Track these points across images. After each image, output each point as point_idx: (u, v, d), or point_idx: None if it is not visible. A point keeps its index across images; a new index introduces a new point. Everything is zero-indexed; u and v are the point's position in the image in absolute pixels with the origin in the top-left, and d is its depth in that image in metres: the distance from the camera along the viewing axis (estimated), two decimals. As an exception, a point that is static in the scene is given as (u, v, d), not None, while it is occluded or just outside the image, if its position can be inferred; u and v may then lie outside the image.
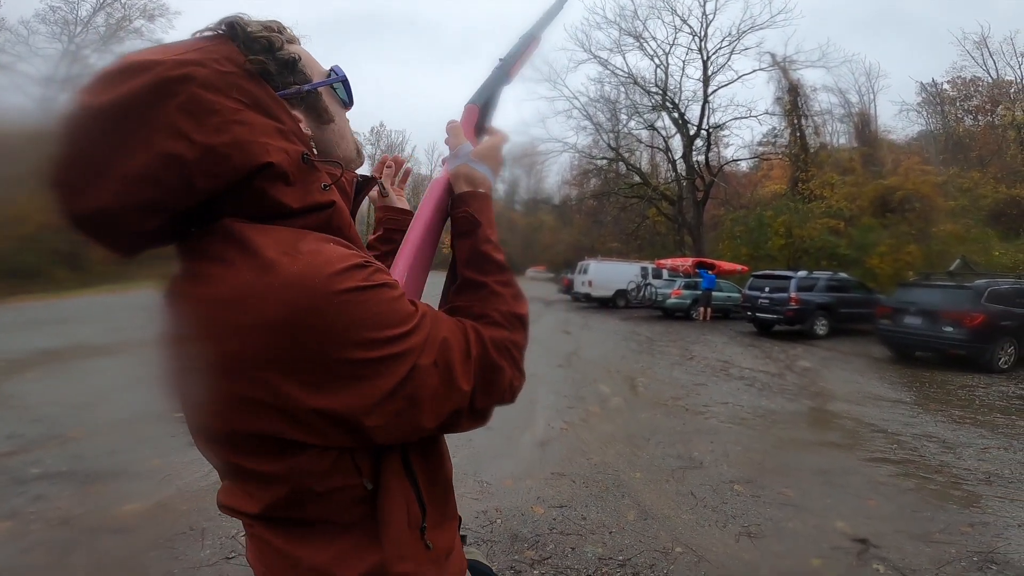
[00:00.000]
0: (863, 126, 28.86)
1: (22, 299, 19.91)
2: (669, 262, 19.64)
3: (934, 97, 28.11)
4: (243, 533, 2.58)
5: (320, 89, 0.68)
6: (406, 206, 1.05)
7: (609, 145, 29.26)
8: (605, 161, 30.00)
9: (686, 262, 18.71)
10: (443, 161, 0.80)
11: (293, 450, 0.55)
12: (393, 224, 1.03)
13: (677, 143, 28.28)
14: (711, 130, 27.15)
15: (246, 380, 0.51)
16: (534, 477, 3.55)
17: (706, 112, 26.89)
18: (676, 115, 27.39)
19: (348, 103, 0.75)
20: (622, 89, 28.49)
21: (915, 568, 2.53)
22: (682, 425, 4.95)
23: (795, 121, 27.12)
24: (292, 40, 0.67)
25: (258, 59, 0.60)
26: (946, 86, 27.61)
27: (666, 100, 27.26)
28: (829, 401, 6.06)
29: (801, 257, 20.12)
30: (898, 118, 37.57)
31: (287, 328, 0.49)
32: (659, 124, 28.57)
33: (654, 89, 27.50)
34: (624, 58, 28.21)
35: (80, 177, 0.52)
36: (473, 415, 0.62)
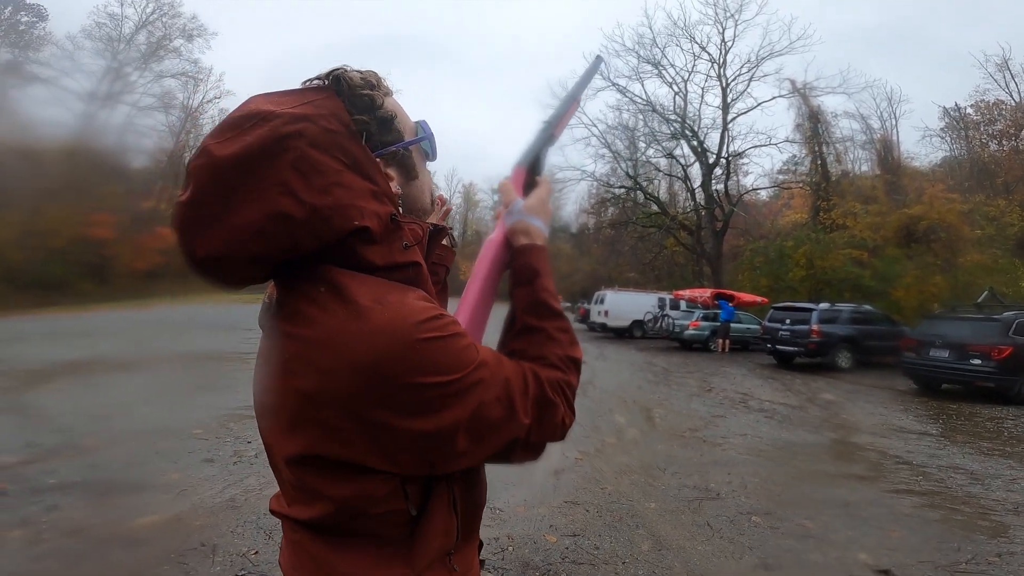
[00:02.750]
0: (885, 153, 28.43)
1: (47, 310, 20.44)
2: (687, 293, 19.45)
3: (957, 122, 27.54)
4: (254, 552, 2.55)
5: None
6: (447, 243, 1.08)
7: (627, 173, 29.09)
8: (623, 190, 29.76)
9: (704, 293, 18.51)
10: (497, 217, 0.84)
11: (364, 477, 0.60)
12: (436, 259, 1.04)
13: (696, 171, 27.99)
14: (730, 158, 26.92)
15: (336, 410, 0.57)
16: (547, 505, 3.48)
17: (725, 140, 26.74)
18: (695, 143, 27.25)
19: (432, 156, 0.80)
20: (640, 117, 28.44)
21: (939, 599, 2.42)
22: (699, 456, 4.84)
23: (816, 148, 26.80)
24: (388, 93, 0.71)
25: (362, 119, 0.65)
26: (969, 110, 27.05)
27: (685, 128, 27.13)
28: (852, 433, 5.87)
29: (823, 289, 19.62)
30: (921, 144, 36.78)
31: (374, 368, 0.56)
32: (678, 152, 28.38)
33: (673, 117, 27.49)
34: (643, 85, 28.03)
35: (196, 223, 0.58)
36: (528, 448, 0.66)
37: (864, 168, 28.88)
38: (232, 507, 3.15)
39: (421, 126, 0.76)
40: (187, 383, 7.10)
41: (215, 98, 41.73)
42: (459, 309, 0.75)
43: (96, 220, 32.46)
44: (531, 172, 0.85)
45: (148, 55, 35.88)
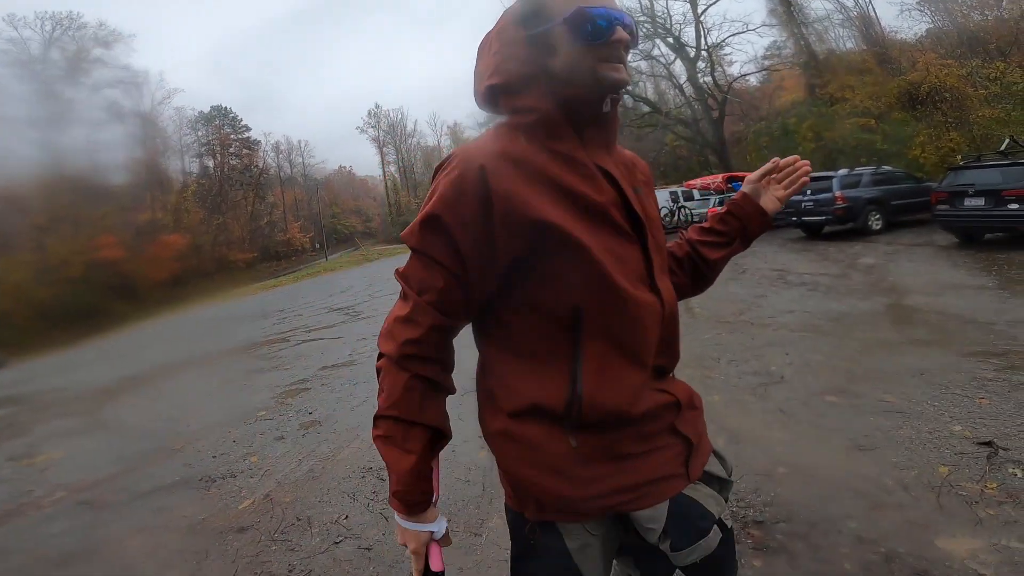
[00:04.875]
0: (867, 28, 27.10)
1: (94, 337, 21.15)
2: (699, 181, 18.96)
3: (934, -5, 25.88)
4: (344, 517, 2.64)
5: None
6: (772, 208, 1.12)
7: (607, 82, 28.21)
8: (608, 99, 28.95)
9: (716, 178, 18.03)
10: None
11: None
12: (737, 209, 1.13)
13: (679, 68, 27.17)
14: (710, 50, 26.03)
15: None
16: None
17: (701, 32, 25.77)
18: (670, 40, 26.27)
19: (591, 37, 0.87)
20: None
21: (1058, 472, 2.23)
22: (751, 340, 4.77)
23: (795, 30, 26.18)
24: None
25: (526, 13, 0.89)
26: (944, -18, 25.21)
27: (657, 27, 26.01)
28: (905, 296, 5.66)
29: (836, 158, 19.33)
30: (901, 18, 34.60)
31: None
32: (656, 53, 27.34)
33: (642, 18, 25.95)
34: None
35: None
36: None
37: (849, 45, 27.86)
38: (312, 478, 3.30)
39: (578, 11, 0.82)
40: (240, 371, 7.35)
41: (165, 99, 40.56)
42: None
43: (101, 243, 32.86)
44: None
45: (72, 70, 34.69)
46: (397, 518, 0.89)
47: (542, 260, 0.79)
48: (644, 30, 26.32)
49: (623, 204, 0.86)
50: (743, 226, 1.11)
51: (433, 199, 0.80)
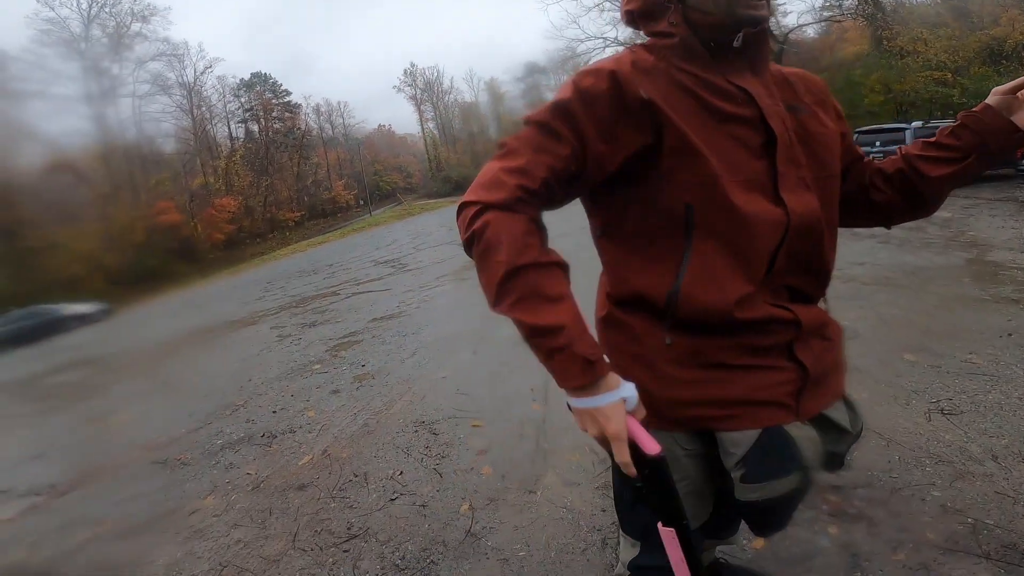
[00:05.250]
0: None
1: (158, 296, 22.46)
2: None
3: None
4: (399, 472, 2.61)
5: None
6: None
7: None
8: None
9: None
10: None
11: None
12: (975, 123, 0.94)
13: None
14: None
15: None
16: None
17: None
18: None
19: None
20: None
21: None
22: (822, 291, 4.50)
23: None
24: None
25: None
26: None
27: None
28: (988, 251, 5.18)
29: (908, 111, 18.36)
30: None
31: None
32: None
33: None
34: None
35: None
36: None
37: None
38: (367, 432, 3.33)
39: None
40: (295, 325, 7.60)
41: (207, 68, 41.47)
42: None
43: (159, 209, 34.53)
44: None
45: (115, 46, 35.56)
46: (573, 402, 0.75)
47: (660, 159, 0.81)
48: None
49: (760, 120, 0.84)
50: (981, 142, 0.92)
51: (565, 89, 0.82)
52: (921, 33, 21.16)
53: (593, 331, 0.79)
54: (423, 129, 60.53)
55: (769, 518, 0.95)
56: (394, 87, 72.98)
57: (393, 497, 2.55)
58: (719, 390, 0.83)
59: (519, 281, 0.72)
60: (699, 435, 0.88)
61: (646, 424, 0.75)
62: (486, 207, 0.77)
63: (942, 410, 2.48)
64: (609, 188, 0.86)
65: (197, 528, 2.64)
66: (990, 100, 0.93)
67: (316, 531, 2.40)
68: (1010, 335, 3.16)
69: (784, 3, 25.11)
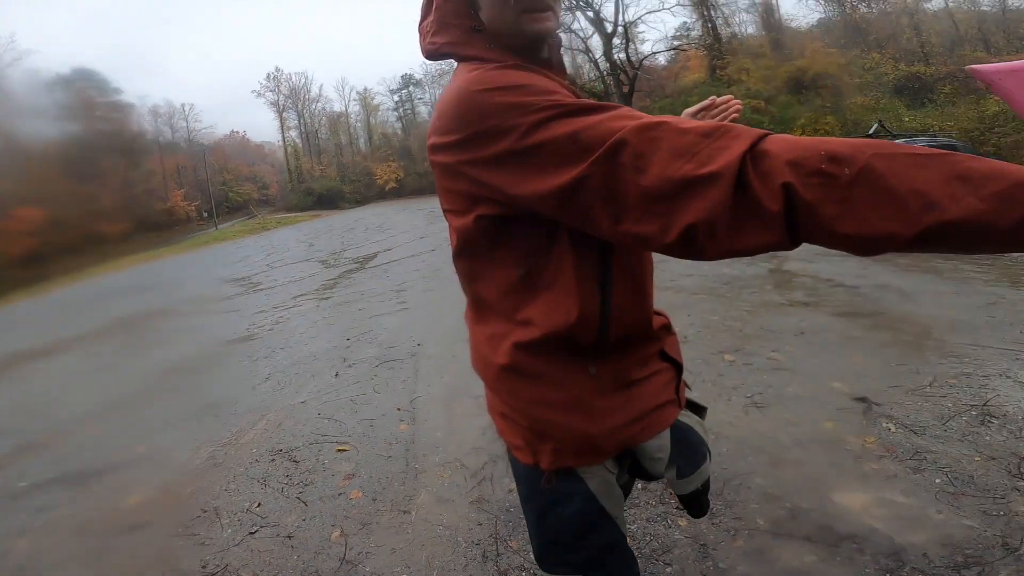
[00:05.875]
0: (768, 15, 30.62)
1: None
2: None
3: (829, -14, 29.52)
4: (256, 504, 2.41)
5: None
6: None
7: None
8: (525, 71, 30.16)
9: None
10: None
11: None
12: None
13: (596, 43, 29.32)
14: (627, 26, 28.38)
15: None
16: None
17: (619, 7, 28.05)
18: (590, 14, 28.36)
19: None
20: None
21: (922, 424, 2.43)
22: (657, 302, 5.01)
23: (705, 12, 29.16)
24: None
25: None
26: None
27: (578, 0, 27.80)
28: (785, 261, 6.16)
29: None
30: (798, 6, 40.08)
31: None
32: (576, 26, 29.35)
33: None
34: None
35: None
36: None
37: (750, 30, 31.51)
38: (214, 465, 3.02)
39: None
40: (116, 352, 6.53)
41: (14, 60, 35.83)
42: None
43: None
44: None
45: None
46: None
47: None
48: (567, 2, 27.15)
49: None
50: None
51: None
52: (746, 63, 25.28)
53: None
54: (284, 137, 56.61)
55: (704, 499, 1.03)
56: (253, 91, 67.26)
57: (253, 530, 2.33)
58: (637, 406, 0.85)
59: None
60: (618, 456, 0.90)
61: (587, 464, 0.82)
62: (765, 136, 0.57)
63: (755, 404, 2.83)
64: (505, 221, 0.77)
65: (17, 566, 2.27)
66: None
67: (163, 571, 2.13)
68: (803, 333, 3.78)
69: (644, 31, 29.64)
